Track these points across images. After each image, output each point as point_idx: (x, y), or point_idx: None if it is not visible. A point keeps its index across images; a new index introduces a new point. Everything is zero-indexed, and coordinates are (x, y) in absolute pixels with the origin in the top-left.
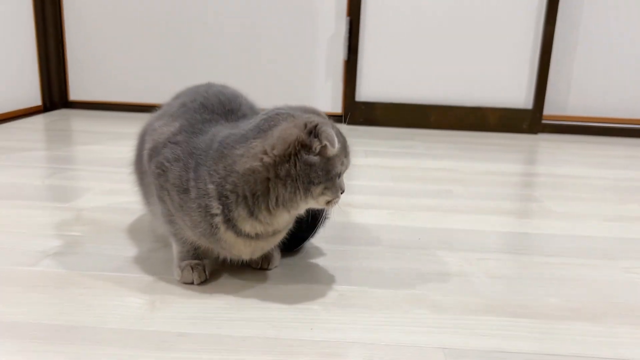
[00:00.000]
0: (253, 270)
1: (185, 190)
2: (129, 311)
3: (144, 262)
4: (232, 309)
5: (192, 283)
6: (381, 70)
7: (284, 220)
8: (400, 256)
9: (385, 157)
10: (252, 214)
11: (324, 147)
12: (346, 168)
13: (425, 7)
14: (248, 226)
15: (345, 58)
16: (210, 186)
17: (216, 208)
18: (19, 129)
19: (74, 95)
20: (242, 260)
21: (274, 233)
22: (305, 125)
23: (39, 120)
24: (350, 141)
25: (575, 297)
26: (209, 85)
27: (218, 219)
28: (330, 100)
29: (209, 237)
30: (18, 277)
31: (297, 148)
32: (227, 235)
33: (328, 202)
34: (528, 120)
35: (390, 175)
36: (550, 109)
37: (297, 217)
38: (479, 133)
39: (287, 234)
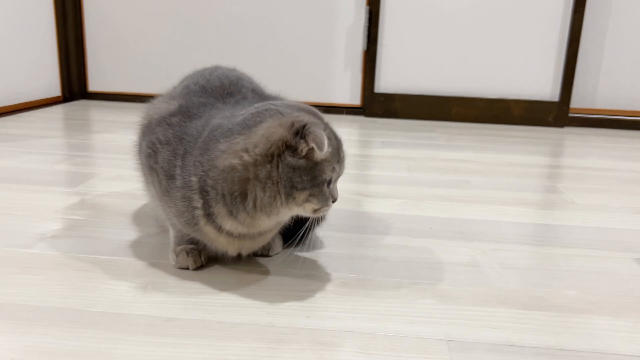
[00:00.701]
0: (253, 256)
1: (172, 177)
2: (120, 295)
3: (141, 247)
4: (226, 295)
5: (187, 268)
6: (401, 61)
7: (266, 225)
8: (409, 245)
9: (402, 147)
10: (231, 213)
11: (311, 149)
12: (338, 175)
13: None
14: (229, 225)
15: (365, 48)
16: (194, 178)
17: (197, 201)
18: (37, 118)
19: (92, 86)
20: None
21: (260, 233)
22: (292, 125)
23: (58, 110)
24: (367, 133)
25: (595, 290)
26: (214, 68)
27: (198, 212)
28: (348, 92)
29: (193, 228)
30: (12, 258)
31: (281, 149)
32: (208, 230)
33: (315, 210)
34: (554, 113)
35: (406, 166)
36: (578, 101)
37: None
38: (502, 126)
39: (284, 227)
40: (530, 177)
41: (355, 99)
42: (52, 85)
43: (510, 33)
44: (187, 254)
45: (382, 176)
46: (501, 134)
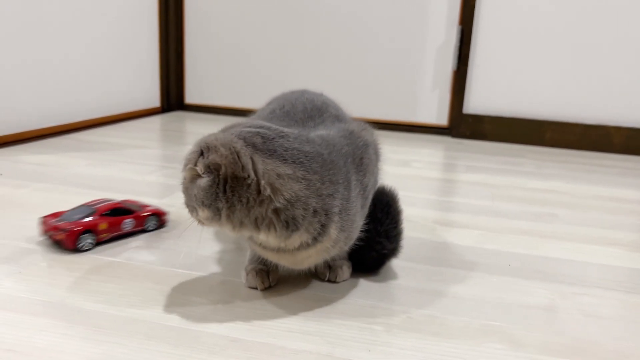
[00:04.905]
0: (321, 282)
1: None
2: (190, 311)
3: (217, 263)
4: (291, 319)
5: (256, 288)
6: (492, 82)
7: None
8: (483, 282)
9: (487, 173)
10: None
11: None
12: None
13: (544, 14)
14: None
15: (455, 68)
16: None
17: None
18: (137, 128)
19: (189, 98)
20: (307, 271)
21: (295, 248)
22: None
23: (156, 120)
24: (452, 155)
25: None
26: (301, 93)
27: None
28: (435, 112)
29: (250, 241)
30: (100, 266)
31: None
32: (253, 245)
33: None
34: None
35: (489, 194)
36: None
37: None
38: (600, 154)
39: (352, 246)
40: (625, 214)
41: (442, 119)
42: (152, 96)
43: (612, 55)
44: (256, 274)
45: (462, 204)
46: (597, 163)
